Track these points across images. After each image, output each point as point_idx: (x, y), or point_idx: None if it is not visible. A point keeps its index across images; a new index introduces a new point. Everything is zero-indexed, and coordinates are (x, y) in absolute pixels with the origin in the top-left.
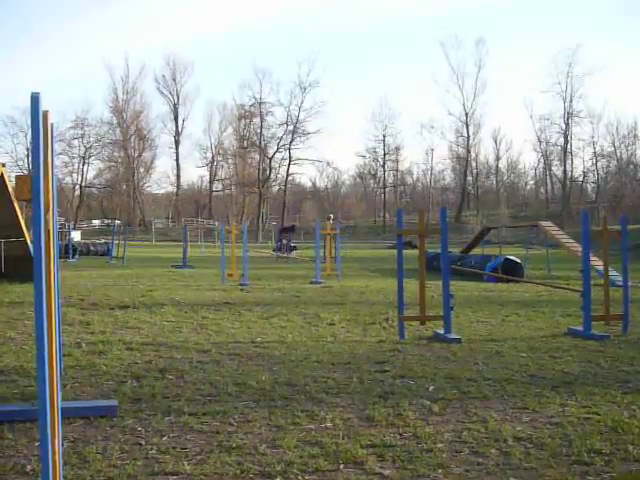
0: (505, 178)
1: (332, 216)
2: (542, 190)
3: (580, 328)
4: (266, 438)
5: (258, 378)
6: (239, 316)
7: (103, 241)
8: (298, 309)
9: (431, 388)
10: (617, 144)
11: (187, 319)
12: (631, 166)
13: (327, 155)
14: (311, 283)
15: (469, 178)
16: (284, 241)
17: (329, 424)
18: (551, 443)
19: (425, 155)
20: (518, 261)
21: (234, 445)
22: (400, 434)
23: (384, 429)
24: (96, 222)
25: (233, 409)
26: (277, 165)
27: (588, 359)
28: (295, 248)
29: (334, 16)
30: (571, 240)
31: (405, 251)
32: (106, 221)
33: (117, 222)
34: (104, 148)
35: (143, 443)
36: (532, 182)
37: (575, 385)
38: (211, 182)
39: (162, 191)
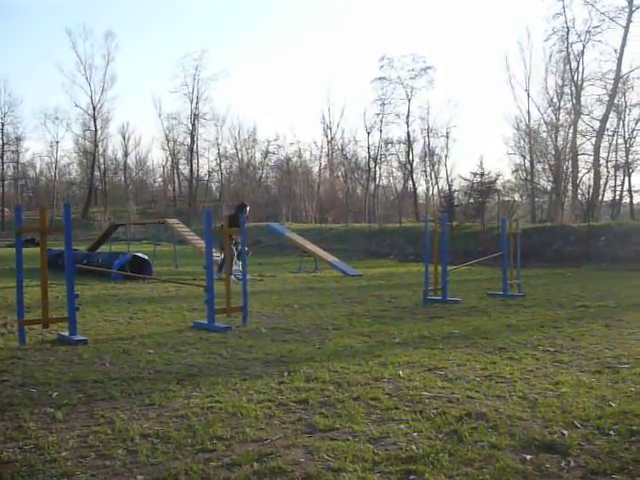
0: (134, 174)
1: None
2: (170, 187)
3: (205, 321)
4: None
5: None
6: None
7: None
8: None
9: (54, 394)
10: (239, 147)
11: None
12: (251, 168)
13: None
14: None
15: (97, 173)
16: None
17: None
18: (176, 435)
19: (49, 147)
20: (146, 258)
21: None
22: (20, 447)
23: (3, 444)
24: None
25: None
26: None
27: (212, 350)
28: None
29: None
30: (196, 237)
31: (27, 249)
32: None
33: None
34: None
35: None
36: (160, 179)
37: (200, 377)
38: None
39: None
